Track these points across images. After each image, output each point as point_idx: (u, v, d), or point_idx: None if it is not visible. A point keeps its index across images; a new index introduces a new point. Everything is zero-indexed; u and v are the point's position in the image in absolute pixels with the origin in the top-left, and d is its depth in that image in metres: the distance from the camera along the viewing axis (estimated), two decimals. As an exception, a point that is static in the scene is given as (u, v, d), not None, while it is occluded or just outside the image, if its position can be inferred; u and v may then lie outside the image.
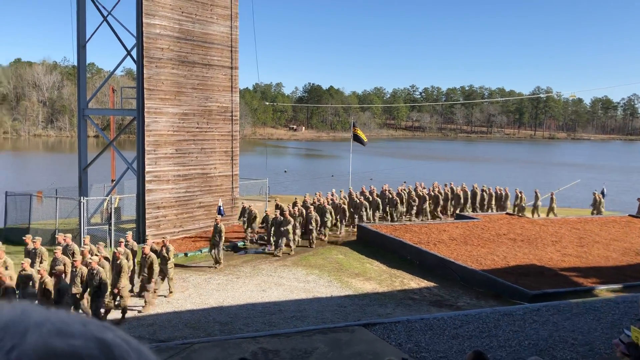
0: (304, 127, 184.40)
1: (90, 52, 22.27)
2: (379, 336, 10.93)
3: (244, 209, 22.01)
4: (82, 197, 21.39)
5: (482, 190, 29.64)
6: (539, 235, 22.33)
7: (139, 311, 13.92)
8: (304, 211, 21.71)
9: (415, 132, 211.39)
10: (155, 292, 14.45)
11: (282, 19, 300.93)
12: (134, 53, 21.50)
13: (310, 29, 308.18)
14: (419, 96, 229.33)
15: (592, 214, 28.78)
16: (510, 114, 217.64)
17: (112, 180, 26.29)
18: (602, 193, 29.51)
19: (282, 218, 19.97)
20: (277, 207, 22.74)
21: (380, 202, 25.48)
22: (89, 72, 23.71)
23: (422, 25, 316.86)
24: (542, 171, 74.83)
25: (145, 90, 20.60)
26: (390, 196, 26.23)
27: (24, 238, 15.77)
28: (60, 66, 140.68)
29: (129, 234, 16.45)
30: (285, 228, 19.64)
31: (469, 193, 29.11)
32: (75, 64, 23.28)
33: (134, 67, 21.97)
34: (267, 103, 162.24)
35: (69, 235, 16.04)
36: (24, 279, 11.67)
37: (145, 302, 14.09)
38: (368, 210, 24.57)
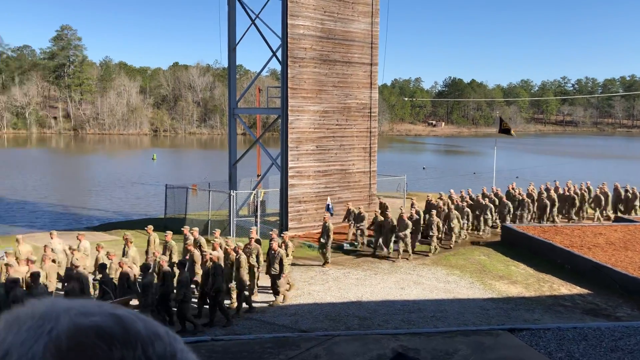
0: (443, 123, 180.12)
1: (239, 54, 23.99)
2: (526, 342, 10.30)
3: (348, 211, 21.03)
4: (231, 191, 22.80)
5: (626, 191, 26.41)
6: None
7: (281, 302, 14.39)
8: (421, 213, 20.25)
9: (566, 126, 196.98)
10: (288, 285, 14.75)
11: (422, 13, 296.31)
12: (278, 54, 22.42)
13: (451, 22, 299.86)
14: (571, 88, 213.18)
15: None
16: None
17: (258, 175, 27.70)
18: None
19: (385, 219, 18.80)
20: (382, 206, 21.39)
21: (509, 204, 23.06)
22: (237, 74, 25.37)
23: (573, 13, 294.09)
24: None
25: (289, 89, 21.39)
26: (520, 197, 23.88)
27: (182, 229, 16.97)
28: (212, 68, 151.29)
29: (254, 230, 16.50)
30: (403, 233, 18.31)
31: (610, 194, 26.16)
32: (226, 66, 24.84)
33: (278, 67, 22.91)
34: (406, 98, 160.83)
35: (196, 229, 16.58)
36: (144, 269, 12.35)
37: (283, 297, 14.46)
38: (493, 212, 22.53)
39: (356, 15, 23.25)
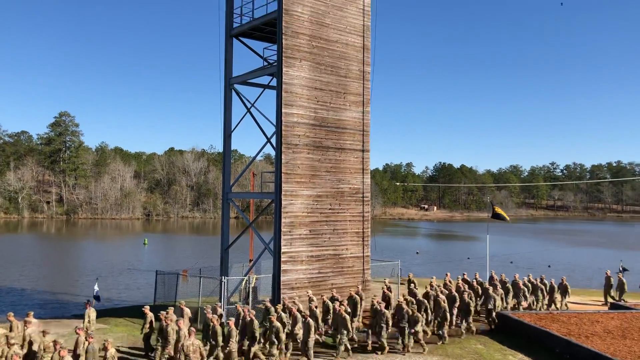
0: (435, 207, 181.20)
1: (234, 139, 24.53)
2: None
3: (204, 324, 17.08)
4: (223, 277, 22.43)
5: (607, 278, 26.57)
6: None
7: None
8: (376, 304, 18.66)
9: (557, 211, 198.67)
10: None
11: (414, 99, 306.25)
12: (273, 140, 22.92)
13: (440, 107, 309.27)
14: (560, 174, 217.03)
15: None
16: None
17: (250, 260, 27.41)
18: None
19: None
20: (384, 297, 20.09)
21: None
22: (232, 158, 25.96)
23: (560, 100, 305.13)
24: None
25: (283, 174, 21.67)
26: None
27: (159, 314, 16.57)
28: (207, 153, 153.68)
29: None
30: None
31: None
32: (221, 150, 25.30)
33: (272, 152, 23.36)
34: (398, 183, 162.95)
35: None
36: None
37: None
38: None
39: (348, 104, 24.01)
